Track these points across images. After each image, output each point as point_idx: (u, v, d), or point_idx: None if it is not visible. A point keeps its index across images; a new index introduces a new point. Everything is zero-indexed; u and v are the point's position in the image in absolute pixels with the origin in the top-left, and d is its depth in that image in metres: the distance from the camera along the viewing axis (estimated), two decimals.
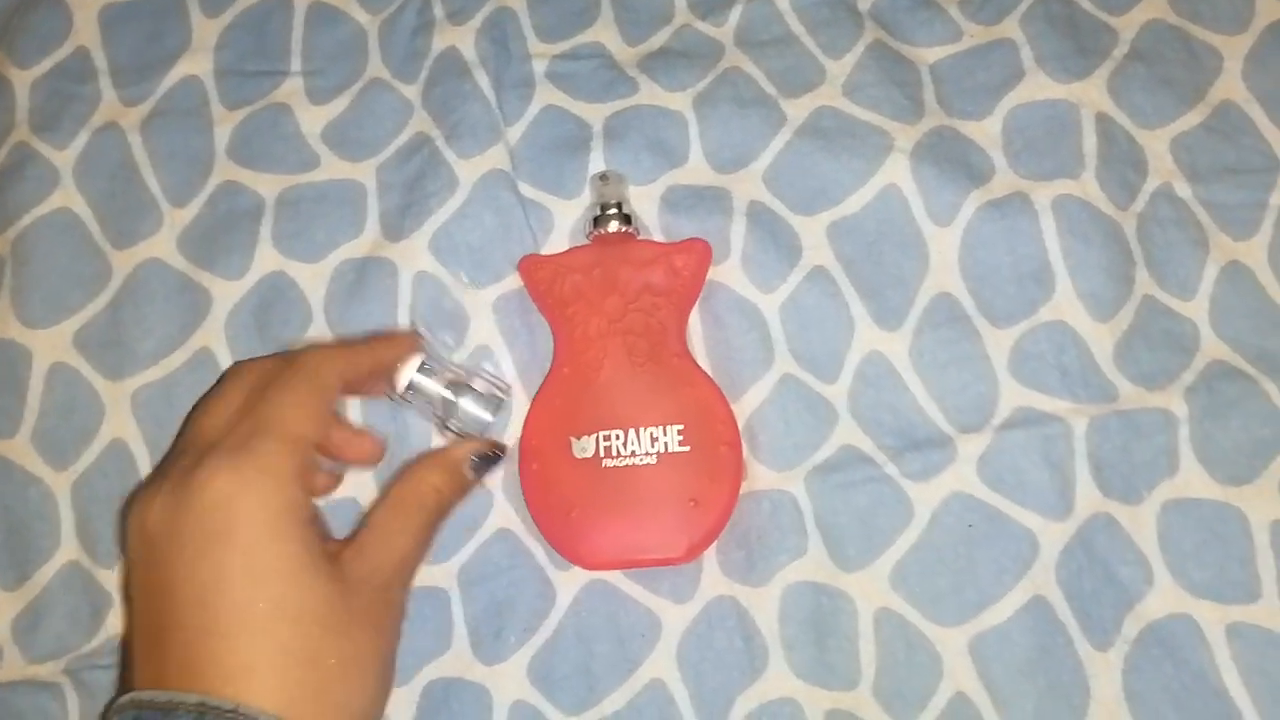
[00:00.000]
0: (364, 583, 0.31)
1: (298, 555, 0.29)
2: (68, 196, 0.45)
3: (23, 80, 0.47)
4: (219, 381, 0.37)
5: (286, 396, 0.33)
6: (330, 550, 0.31)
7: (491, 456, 0.37)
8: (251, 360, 0.37)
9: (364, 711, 0.30)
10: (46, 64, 0.47)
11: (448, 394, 0.38)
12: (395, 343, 0.39)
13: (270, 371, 0.34)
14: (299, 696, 0.28)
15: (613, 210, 0.42)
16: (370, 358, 0.37)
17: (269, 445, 0.31)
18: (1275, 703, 0.35)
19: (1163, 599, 0.37)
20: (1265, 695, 0.36)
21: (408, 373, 0.38)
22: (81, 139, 0.46)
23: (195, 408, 0.35)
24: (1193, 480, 0.38)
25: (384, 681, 0.32)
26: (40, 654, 0.40)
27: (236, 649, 0.28)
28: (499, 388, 0.40)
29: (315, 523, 0.31)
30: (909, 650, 0.37)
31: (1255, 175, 0.42)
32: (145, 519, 0.30)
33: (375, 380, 0.38)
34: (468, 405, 0.39)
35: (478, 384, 0.39)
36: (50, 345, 0.43)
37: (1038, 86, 0.44)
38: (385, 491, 0.35)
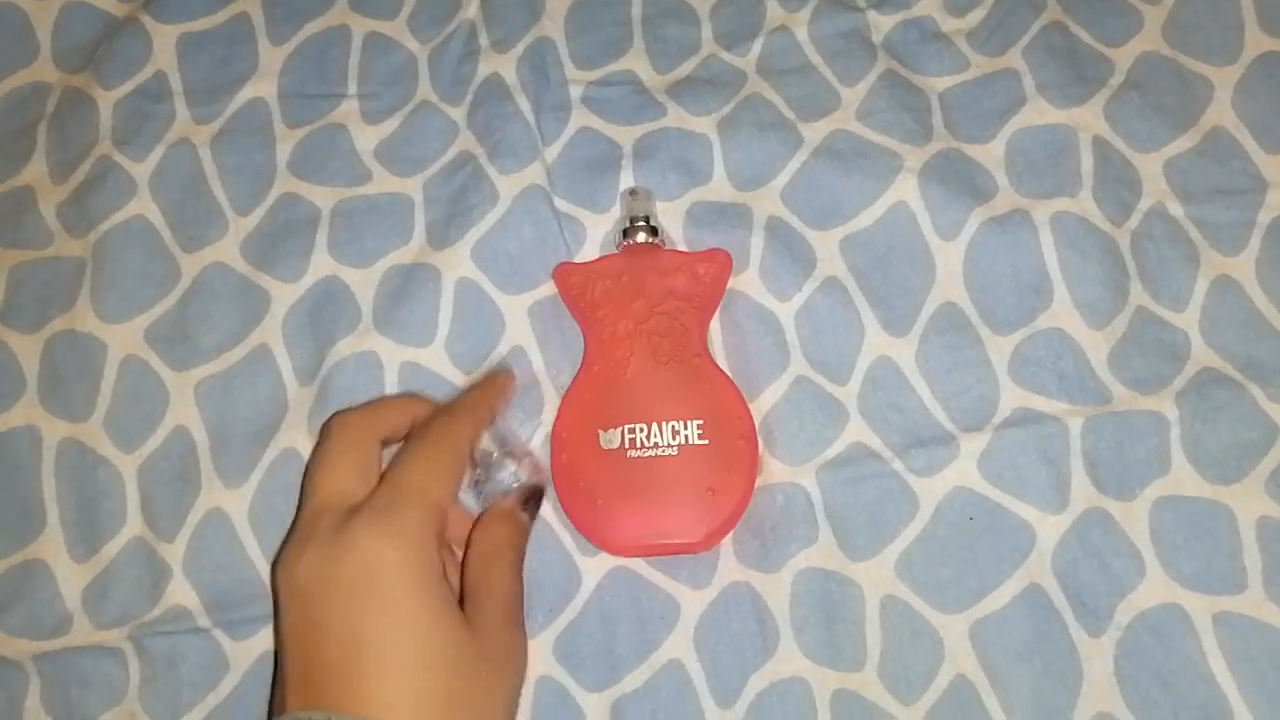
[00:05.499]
0: (485, 630, 0.34)
1: (432, 609, 0.32)
2: (143, 205, 0.47)
3: (106, 100, 0.50)
4: (325, 438, 0.37)
5: (425, 465, 0.36)
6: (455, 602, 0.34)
7: (536, 498, 0.40)
8: (351, 414, 0.38)
9: None
10: (128, 85, 0.50)
11: (496, 470, 0.40)
12: (491, 393, 0.41)
13: (381, 427, 0.38)
14: None
15: (641, 223, 0.44)
16: (484, 415, 0.40)
17: (411, 513, 0.34)
18: (1259, 687, 0.37)
19: (1154, 589, 0.38)
20: (1249, 680, 0.37)
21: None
22: (157, 153, 0.48)
23: (315, 466, 0.37)
24: (1183, 479, 0.40)
25: (510, 715, 0.34)
26: (106, 621, 0.41)
27: (381, 690, 0.31)
28: (527, 459, 0.41)
29: (446, 578, 0.34)
30: (913, 634, 0.39)
31: (1244, 196, 0.44)
32: (295, 571, 0.33)
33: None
34: (505, 478, 0.40)
35: (512, 457, 0.40)
36: (123, 339, 0.45)
37: (1038, 112, 0.46)
38: (466, 555, 0.37)
